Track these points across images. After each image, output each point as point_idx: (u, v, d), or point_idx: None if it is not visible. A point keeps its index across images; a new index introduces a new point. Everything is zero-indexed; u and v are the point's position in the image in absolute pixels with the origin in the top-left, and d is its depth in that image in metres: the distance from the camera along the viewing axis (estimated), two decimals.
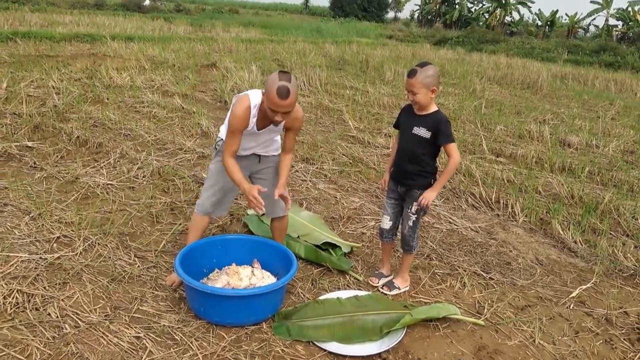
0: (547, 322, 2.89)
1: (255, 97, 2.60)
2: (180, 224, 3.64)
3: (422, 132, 2.73)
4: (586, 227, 4.24)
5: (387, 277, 3.17)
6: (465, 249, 3.73)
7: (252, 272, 2.88)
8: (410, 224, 2.91)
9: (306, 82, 9.64)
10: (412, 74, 2.64)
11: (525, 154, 6.13)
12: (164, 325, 2.53)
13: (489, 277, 3.33)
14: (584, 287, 3.31)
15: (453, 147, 2.72)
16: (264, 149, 2.88)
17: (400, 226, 3.04)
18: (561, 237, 4.03)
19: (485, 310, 2.94)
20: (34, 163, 4.52)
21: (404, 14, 54.43)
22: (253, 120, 2.64)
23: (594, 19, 40.96)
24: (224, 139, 2.76)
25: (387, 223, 3.04)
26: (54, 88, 6.94)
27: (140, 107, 6.80)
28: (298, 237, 3.45)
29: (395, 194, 2.97)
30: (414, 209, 2.87)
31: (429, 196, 2.77)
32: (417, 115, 2.77)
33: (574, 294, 3.21)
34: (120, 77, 8.19)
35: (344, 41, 20.48)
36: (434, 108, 2.75)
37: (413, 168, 2.80)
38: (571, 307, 3.09)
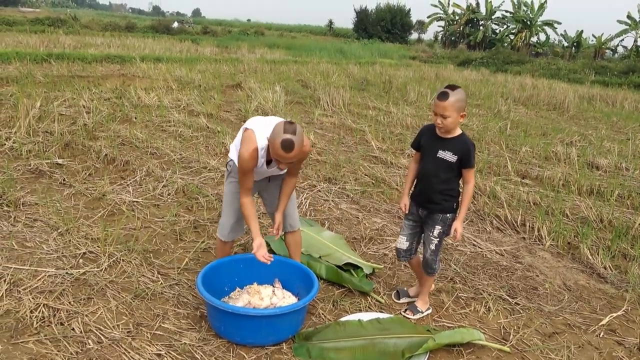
0: (575, 351, 2.79)
1: (261, 139, 2.61)
2: (203, 242, 3.67)
3: (448, 155, 2.69)
4: (616, 252, 4.11)
5: (411, 297, 3.15)
6: (490, 272, 3.66)
7: (273, 291, 2.87)
8: (432, 247, 2.85)
9: (329, 102, 9.71)
10: (444, 96, 2.56)
11: (551, 176, 6.02)
12: (185, 343, 2.54)
13: (515, 302, 3.25)
14: (614, 314, 3.20)
15: (473, 172, 2.73)
16: (275, 174, 2.91)
17: (422, 249, 2.99)
18: (590, 262, 3.91)
19: (511, 336, 2.86)
20: (64, 180, 4.65)
21: (428, 35, 54.54)
22: (262, 160, 2.68)
23: (622, 39, 40.19)
24: (234, 160, 2.80)
25: (403, 243, 2.98)
26: (84, 107, 7.16)
27: (167, 126, 6.95)
28: (319, 257, 3.43)
29: (414, 216, 2.92)
30: (436, 232, 2.82)
31: (460, 228, 2.74)
32: (441, 138, 2.72)
33: (604, 322, 3.10)
34: (148, 97, 8.40)
35: (367, 62, 20.64)
36: (458, 131, 2.72)
37: (438, 192, 2.75)
38: (601, 336, 2.98)
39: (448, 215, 2.79)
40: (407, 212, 2.95)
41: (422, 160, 2.85)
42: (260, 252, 2.73)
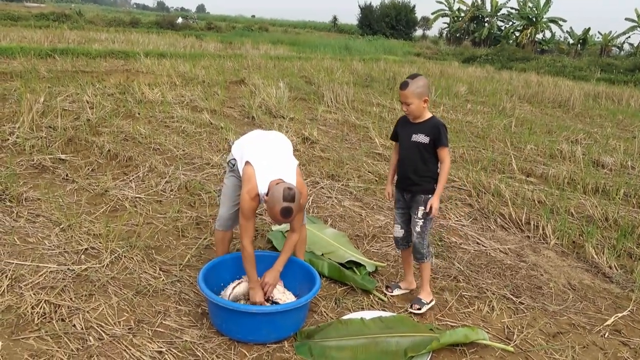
0: (580, 351, 2.77)
1: (262, 185, 2.61)
2: (205, 238, 3.66)
3: (421, 137, 2.84)
4: (622, 252, 4.08)
5: (402, 289, 3.19)
6: (494, 271, 3.63)
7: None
8: (418, 229, 2.92)
9: (333, 99, 9.67)
10: (404, 86, 2.77)
11: (556, 174, 5.97)
12: (186, 340, 2.53)
13: (519, 302, 3.22)
14: (620, 314, 3.17)
15: (447, 151, 2.84)
16: None
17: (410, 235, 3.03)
18: (595, 262, 3.87)
19: (515, 336, 2.84)
20: (66, 175, 4.64)
21: (433, 31, 54.09)
22: (262, 203, 2.71)
23: (629, 36, 39.79)
24: (237, 160, 2.83)
25: (399, 231, 3.10)
26: (88, 103, 7.14)
27: (170, 122, 6.93)
28: (322, 254, 3.42)
29: (401, 203, 3.04)
30: (420, 213, 2.91)
31: (436, 204, 2.84)
32: (414, 124, 2.89)
33: (609, 322, 3.07)
34: (151, 92, 8.39)
35: (371, 58, 20.55)
36: (428, 115, 2.88)
37: (417, 174, 2.88)
38: (606, 336, 2.95)
39: (430, 196, 2.88)
40: (391, 199, 3.12)
41: (400, 147, 3.00)
42: (257, 299, 2.68)
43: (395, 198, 3.08)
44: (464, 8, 46.03)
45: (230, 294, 2.75)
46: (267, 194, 2.56)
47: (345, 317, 2.79)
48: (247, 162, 2.70)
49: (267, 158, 2.71)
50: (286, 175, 2.65)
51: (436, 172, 2.90)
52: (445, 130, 2.83)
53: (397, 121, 3.05)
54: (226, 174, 2.99)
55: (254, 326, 2.51)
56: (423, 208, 2.89)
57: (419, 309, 2.96)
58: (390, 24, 44.01)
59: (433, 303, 3.03)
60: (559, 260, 3.92)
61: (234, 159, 2.88)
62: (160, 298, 2.89)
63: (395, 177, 3.07)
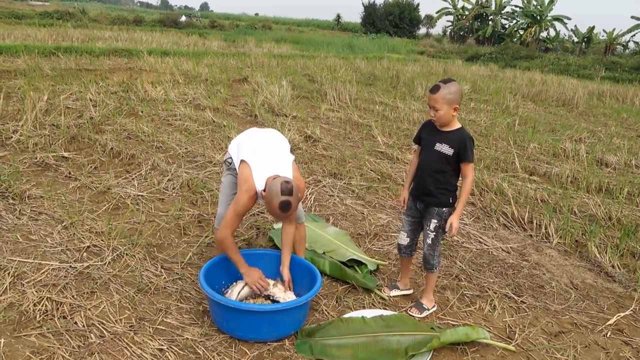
0: (582, 350, 2.76)
1: (259, 182, 2.61)
2: (207, 237, 3.66)
3: (445, 148, 2.70)
4: (625, 251, 4.06)
5: (400, 290, 3.17)
6: (496, 270, 3.62)
7: (274, 284, 2.86)
8: (429, 241, 2.85)
9: (336, 97, 9.66)
10: (435, 89, 2.62)
11: (560, 173, 5.95)
12: (187, 338, 2.53)
13: (521, 301, 3.21)
14: (622, 314, 3.15)
15: (471, 167, 2.71)
16: None
17: (421, 243, 2.98)
18: (598, 261, 3.86)
19: (517, 335, 2.83)
20: (69, 173, 4.65)
21: (436, 30, 54.02)
22: (260, 201, 2.72)
23: (634, 35, 39.65)
24: (233, 157, 2.83)
25: (404, 239, 3.02)
26: (91, 101, 7.16)
27: (173, 120, 6.94)
28: (323, 253, 3.41)
29: (412, 211, 2.94)
30: (432, 226, 2.82)
31: (456, 223, 2.72)
32: (440, 131, 2.75)
33: (611, 321, 3.06)
34: (154, 90, 8.39)
35: (374, 57, 20.51)
36: (457, 125, 2.73)
37: (434, 184, 2.76)
38: (608, 335, 2.94)
39: (444, 209, 2.79)
40: (405, 206, 2.99)
41: (421, 152, 2.88)
42: (252, 280, 2.72)
43: (407, 205, 2.98)
44: (468, 6, 45.89)
45: (237, 295, 2.75)
46: (264, 190, 2.56)
47: (346, 316, 2.79)
48: (242, 161, 2.69)
49: (263, 155, 2.70)
50: (282, 170, 2.64)
51: (454, 185, 2.79)
52: (472, 144, 2.69)
53: (423, 125, 2.90)
54: (224, 173, 3.00)
55: (254, 324, 2.52)
56: (435, 221, 2.79)
57: (420, 313, 2.94)
58: (394, 22, 43.97)
59: (434, 309, 3.01)
60: (561, 259, 3.91)
61: (231, 157, 2.88)
62: (162, 296, 2.90)
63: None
